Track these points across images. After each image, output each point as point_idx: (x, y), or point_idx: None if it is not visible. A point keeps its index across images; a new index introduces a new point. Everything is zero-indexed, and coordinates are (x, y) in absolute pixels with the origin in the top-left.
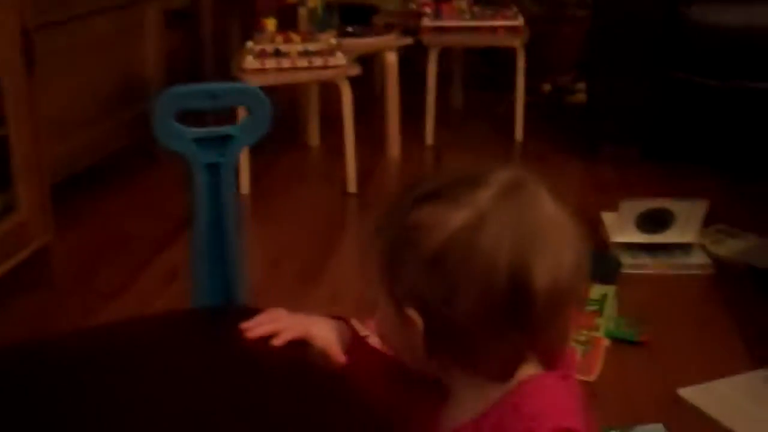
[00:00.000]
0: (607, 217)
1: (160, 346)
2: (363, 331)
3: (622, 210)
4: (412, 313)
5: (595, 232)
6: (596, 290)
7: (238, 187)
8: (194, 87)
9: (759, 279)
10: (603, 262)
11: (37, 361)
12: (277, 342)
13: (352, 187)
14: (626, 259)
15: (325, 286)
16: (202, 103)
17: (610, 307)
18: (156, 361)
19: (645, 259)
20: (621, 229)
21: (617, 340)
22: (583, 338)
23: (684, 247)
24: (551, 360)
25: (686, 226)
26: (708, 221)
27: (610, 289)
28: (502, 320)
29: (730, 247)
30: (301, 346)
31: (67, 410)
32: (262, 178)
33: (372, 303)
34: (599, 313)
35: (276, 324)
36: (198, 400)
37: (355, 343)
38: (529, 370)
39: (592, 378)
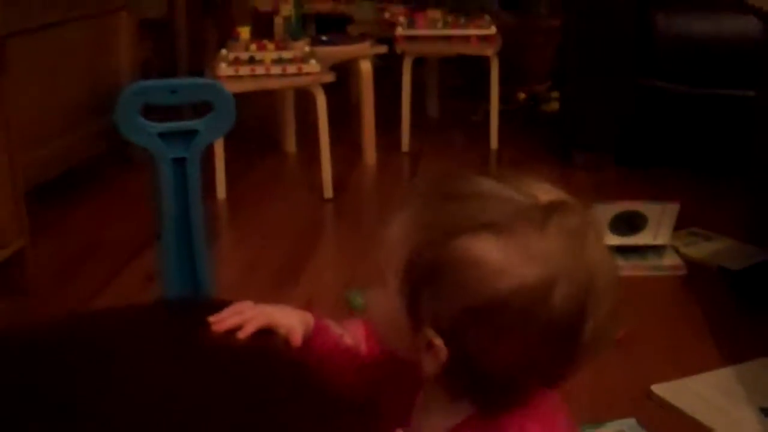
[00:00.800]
0: None
1: (124, 336)
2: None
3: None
4: (437, 341)
5: None
6: None
7: (214, 191)
8: (157, 82)
9: (730, 280)
10: None
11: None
12: (242, 334)
13: (328, 192)
14: None
15: (301, 291)
16: (165, 98)
17: None
18: (119, 351)
19: (618, 261)
20: None
21: None
22: None
23: (657, 249)
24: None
25: (659, 229)
26: (681, 224)
27: None
28: (533, 368)
29: (703, 249)
30: (266, 335)
31: (29, 398)
32: (238, 184)
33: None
34: None
35: (241, 316)
36: (158, 389)
37: (317, 331)
38: None
39: None
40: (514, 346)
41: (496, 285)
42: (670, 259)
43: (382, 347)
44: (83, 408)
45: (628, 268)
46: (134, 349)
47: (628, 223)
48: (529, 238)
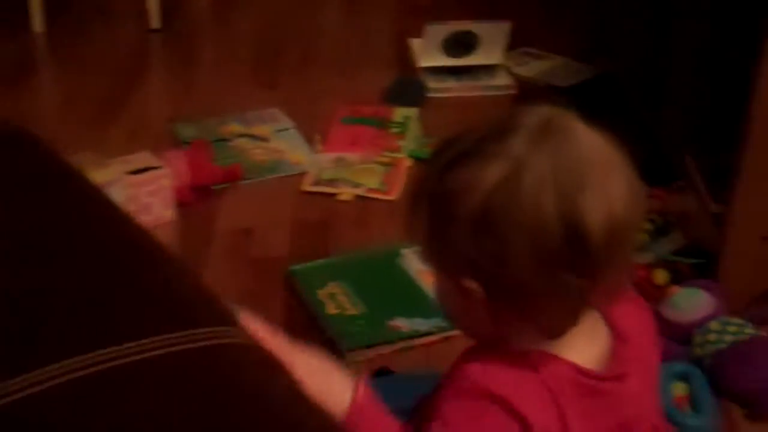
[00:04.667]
0: (415, 43)
1: None
2: (157, 162)
3: (428, 34)
4: (470, 283)
5: (404, 58)
6: (399, 113)
7: (28, 24)
8: None
9: (558, 96)
10: (409, 87)
11: None
12: None
13: (155, 22)
14: (433, 83)
15: (124, 123)
16: None
17: (413, 129)
18: None
19: (451, 83)
20: (427, 53)
21: (420, 160)
22: (385, 160)
23: (489, 69)
24: (612, 299)
25: (491, 49)
26: (514, 44)
27: (412, 112)
28: (560, 267)
29: (534, 68)
30: None
31: None
32: (57, 16)
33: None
34: (402, 135)
35: None
36: None
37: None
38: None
39: (393, 197)
40: (518, 244)
41: (470, 201)
42: (501, 79)
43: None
44: None
45: (460, 88)
46: None
47: (461, 44)
48: (490, 147)
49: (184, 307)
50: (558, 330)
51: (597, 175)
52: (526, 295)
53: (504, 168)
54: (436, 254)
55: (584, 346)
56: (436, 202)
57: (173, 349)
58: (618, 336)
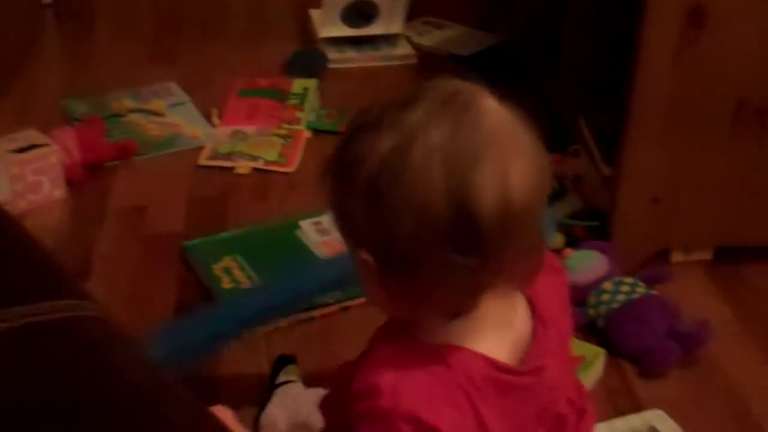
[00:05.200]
0: (315, 14)
1: None
2: (44, 140)
3: (327, 5)
4: (366, 256)
5: (304, 30)
6: (298, 84)
7: None
8: None
9: (458, 65)
10: (309, 59)
11: None
12: None
13: None
14: (333, 54)
15: (13, 100)
16: None
17: (312, 101)
18: None
19: (351, 53)
20: (327, 24)
21: (318, 131)
22: (284, 132)
23: (389, 39)
24: (516, 284)
25: (391, 18)
26: (415, 14)
27: (311, 83)
28: (449, 247)
29: (434, 37)
30: None
31: None
32: None
33: None
34: (301, 107)
35: None
36: None
37: None
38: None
39: (292, 169)
40: (405, 220)
41: (363, 170)
42: (402, 49)
43: None
44: None
45: (360, 59)
46: None
47: (360, 14)
48: (388, 117)
49: (37, 278)
50: (454, 311)
51: (496, 151)
52: (415, 271)
53: (395, 139)
54: (339, 225)
55: (498, 335)
56: (336, 173)
57: (32, 319)
58: (538, 318)
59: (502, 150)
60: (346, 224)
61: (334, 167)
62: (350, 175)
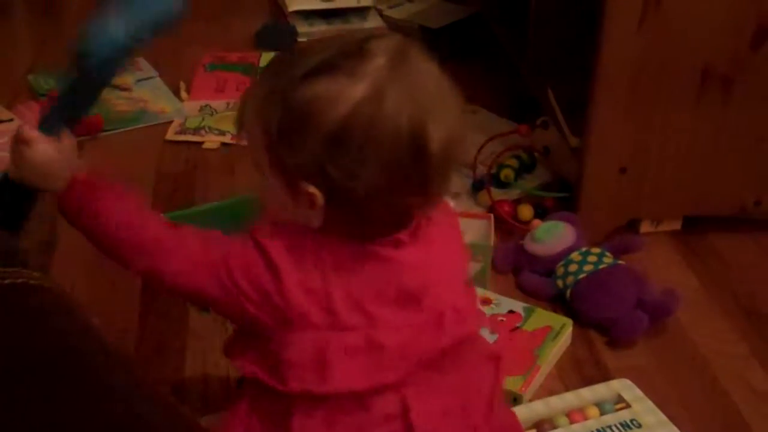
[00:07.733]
0: None
1: None
2: (8, 115)
3: None
4: (311, 188)
5: (274, 3)
6: (266, 58)
7: None
8: None
9: (428, 37)
10: (279, 32)
11: None
12: None
13: None
14: (302, 28)
15: None
16: None
17: None
18: None
19: (321, 26)
20: None
21: None
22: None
23: (360, 12)
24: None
25: None
26: None
27: None
28: (403, 185)
29: (405, 10)
30: None
31: None
32: None
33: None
34: None
35: None
36: None
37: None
38: None
39: None
40: (374, 161)
41: (334, 113)
42: (372, 21)
43: None
44: None
45: (331, 32)
46: None
47: None
48: (353, 65)
49: None
50: (376, 236)
51: (442, 105)
52: (363, 205)
53: (368, 88)
54: (277, 155)
55: None
56: (294, 107)
57: None
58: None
59: (442, 100)
60: (290, 156)
61: (289, 100)
62: (314, 115)
